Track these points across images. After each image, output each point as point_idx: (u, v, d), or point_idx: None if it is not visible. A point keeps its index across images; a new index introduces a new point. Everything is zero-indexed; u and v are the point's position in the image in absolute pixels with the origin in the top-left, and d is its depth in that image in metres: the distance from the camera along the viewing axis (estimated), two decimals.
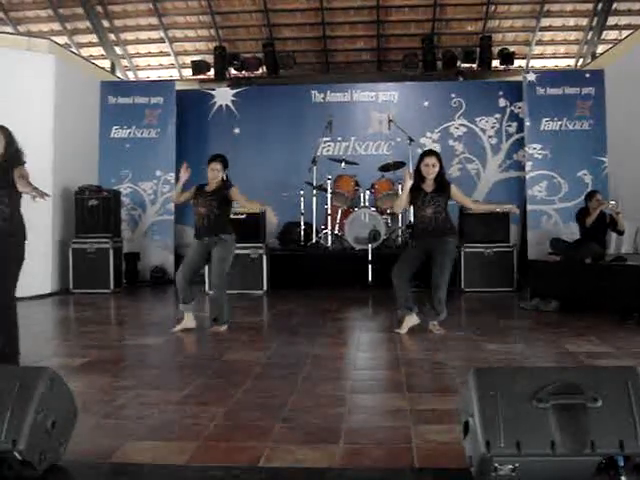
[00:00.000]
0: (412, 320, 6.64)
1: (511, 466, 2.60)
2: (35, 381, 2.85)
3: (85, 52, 14.96)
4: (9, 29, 14.59)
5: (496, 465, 2.59)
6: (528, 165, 11.74)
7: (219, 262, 6.76)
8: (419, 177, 6.63)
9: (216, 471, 2.96)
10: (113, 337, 6.95)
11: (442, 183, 6.63)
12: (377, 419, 3.82)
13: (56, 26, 14.87)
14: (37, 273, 9.88)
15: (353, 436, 3.45)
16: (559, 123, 11.69)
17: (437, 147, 12.48)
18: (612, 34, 14.39)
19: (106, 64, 14.82)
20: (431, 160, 6.56)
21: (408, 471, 2.99)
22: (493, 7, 14.08)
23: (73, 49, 14.25)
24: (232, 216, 10.36)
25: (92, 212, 10.64)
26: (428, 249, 6.58)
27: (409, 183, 6.58)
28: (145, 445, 3.34)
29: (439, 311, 6.58)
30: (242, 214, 10.43)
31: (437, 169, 6.56)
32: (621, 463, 2.57)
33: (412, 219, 10.95)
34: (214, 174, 6.88)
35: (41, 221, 10.02)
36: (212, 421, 3.68)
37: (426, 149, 7.41)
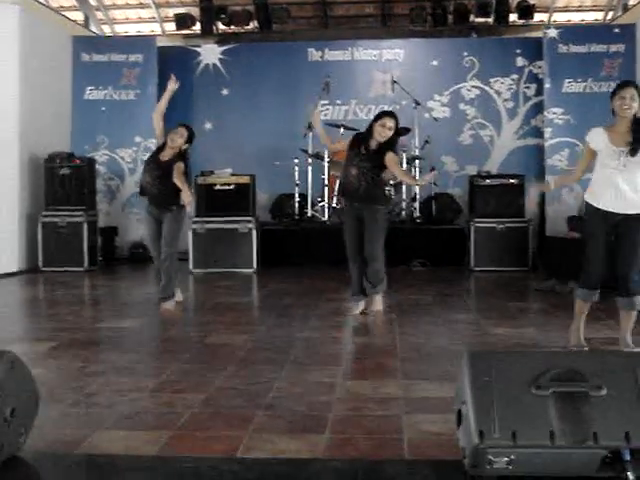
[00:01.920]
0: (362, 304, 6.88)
1: (506, 458, 2.67)
2: None
3: (55, 3, 14.90)
4: None
5: (490, 457, 2.67)
6: (547, 132, 11.77)
7: (169, 230, 7.13)
8: (368, 134, 6.67)
9: (190, 462, 3.04)
10: (85, 319, 7.05)
11: (382, 147, 6.63)
12: (367, 407, 3.89)
13: None
14: (3, 250, 10.01)
15: (340, 425, 3.54)
16: (583, 84, 11.71)
17: (447, 111, 12.57)
18: None
19: (79, 17, 14.78)
20: (390, 122, 6.56)
21: (398, 463, 3.07)
22: None
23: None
24: (219, 187, 10.69)
25: (64, 182, 10.69)
26: (359, 215, 6.68)
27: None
28: (115, 435, 3.43)
29: (375, 283, 6.68)
30: (229, 184, 10.50)
31: (391, 134, 6.57)
32: (627, 457, 2.63)
33: (415, 190, 11.17)
34: (174, 141, 7.16)
35: (7, 193, 10.14)
36: (189, 409, 3.77)
37: (386, 110, 7.45)
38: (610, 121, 5.19)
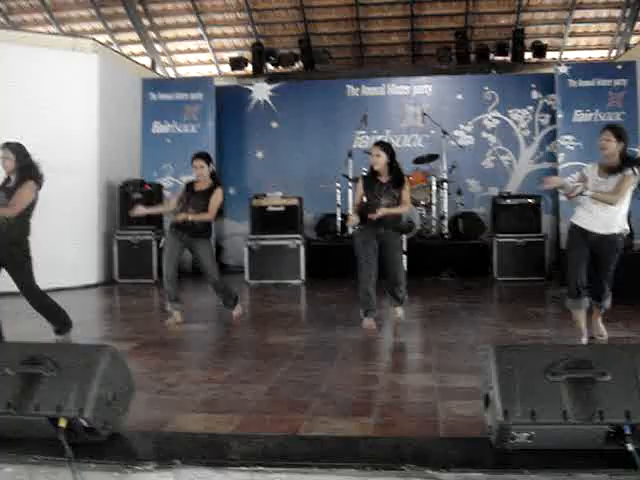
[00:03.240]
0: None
1: (527, 434, 2.87)
2: (98, 357, 3.18)
3: (126, 50, 15.36)
4: (53, 29, 15.07)
5: (513, 433, 2.87)
6: (560, 156, 11.83)
7: (206, 256, 6.94)
8: (371, 168, 6.58)
9: (261, 439, 3.26)
10: (159, 324, 7.28)
11: (398, 176, 6.53)
12: (407, 396, 4.10)
13: (98, 25, 15.31)
14: (83, 264, 10.34)
15: (384, 410, 3.75)
16: (591, 115, 11.77)
17: (470, 139, 12.68)
18: None
19: (147, 61, 15.19)
20: (376, 150, 6.45)
21: (434, 440, 3.27)
22: (526, 0, 14.20)
23: (115, 47, 14.64)
24: (270, 208, 10.91)
25: (134, 205, 10.95)
26: (381, 241, 6.49)
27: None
28: (195, 417, 3.68)
29: (402, 300, 6.62)
30: (280, 205, 10.74)
31: (381, 160, 6.42)
32: (628, 432, 2.81)
33: (444, 209, 11.25)
34: (199, 171, 6.92)
35: (87, 214, 10.49)
36: (255, 396, 4.00)
37: (378, 140, 7.13)
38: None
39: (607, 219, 5.28)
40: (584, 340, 5.43)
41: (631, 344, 3.33)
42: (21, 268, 5.51)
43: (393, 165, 6.51)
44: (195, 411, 3.78)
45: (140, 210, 7.25)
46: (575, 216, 5.51)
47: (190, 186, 7.03)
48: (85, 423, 3.04)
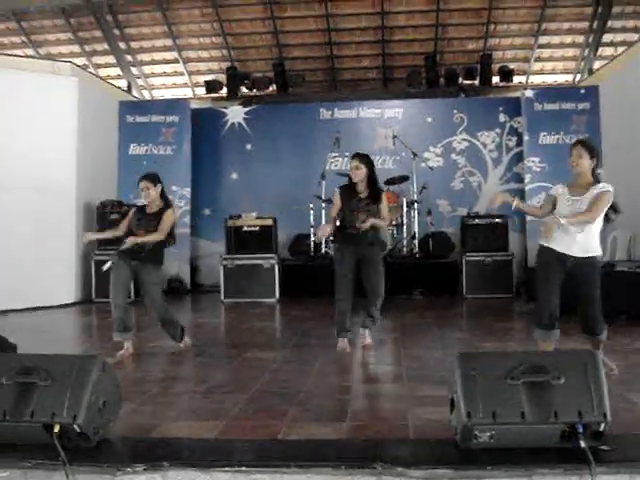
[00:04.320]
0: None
1: (489, 433, 3.12)
2: (90, 366, 3.39)
3: (103, 73, 15.55)
4: (31, 51, 15.24)
5: (476, 433, 3.12)
6: (527, 177, 12.19)
7: (155, 286, 6.52)
8: (350, 179, 6.46)
9: (243, 442, 3.48)
10: (138, 340, 7.43)
11: (376, 192, 6.45)
12: (379, 403, 4.35)
13: (75, 48, 15.51)
14: (62, 283, 10.48)
15: (358, 416, 3.98)
16: (556, 137, 12.14)
17: (440, 161, 13.03)
18: (608, 50, 14.89)
19: (123, 84, 15.40)
20: (355, 162, 6.35)
21: (405, 441, 3.51)
22: (493, 26, 14.64)
23: (92, 70, 14.83)
24: (245, 228, 11.12)
25: (113, 226, 11.11)
26: (359, 257, 6.40)
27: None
28: (179, 424, 3.89)
29: (377, 317, 6.50)
30: (255, 226, 10.96)
31: (361, 172, 6.33)
32: (580, 430, 3.09)
33: (415, 229, 11.51)
34: (145, 193, 6.38)
35: (65, 235, 10.63)
36: (236, 405, 4.21)
37: (356, 152, 6.71)
38: None
39: (585, 242, 4.87)
40: None
41: (583, 350, 3.60)
42: None
43: (372, 178, 6.42)
44: (179, 419, 3.99)
45: (89, 236, 7.21)
46: (546, 238, 5.00)
47: (141, 209, 6.55)
48: (78, 429, 3.24)
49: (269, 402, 4.33)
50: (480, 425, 3.09)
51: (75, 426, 3.23)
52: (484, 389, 3.14)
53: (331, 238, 6.55)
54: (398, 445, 3.48)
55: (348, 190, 6.47)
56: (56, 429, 3.22)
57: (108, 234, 7.11)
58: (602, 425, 3.09)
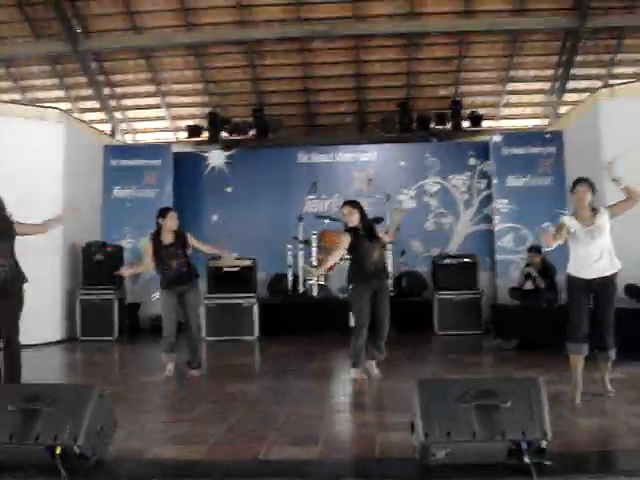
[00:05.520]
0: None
1: (444, 451, 3.53)
2: (89, 394, 3.76)
3: (87, 117, 15.92)
4: (17, 96, 15.63)
5: (433, 451, 3.52)
6: (496, 218, 12.69)
7: (196, 307, 7.49)
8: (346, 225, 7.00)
9: (226, 463, 3.86)
10: (124, 376, 7.80)
11: (372, 231, 6.95)
12: (349, 429, 4.74)
13: (61, 93, 15.90)
14: (47, 321, 10.74)
15: (329, 440, 4.37)
16: (524, 180, 12.67)
17: (413, 203, 13.52)
18: (574, 96, 15.49)
19: (107, 128, 15.80)
20: (345, 209, 6.94)
21: (371, 459, 3.90)
22: (463, 74, 15.22)
23: (76, 114, 15.23)
24: (226, 269, 11.47)
25: (98, 266, 11.50)
26: (375, 291, 6.81)
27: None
28: (167, 448, 4.26)
29: (383, 349, 6.88)
30: (235, 266, 11.33)
31: (354, 218, 6.85)
32: (525, 447, 3.50)
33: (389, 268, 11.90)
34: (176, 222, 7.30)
35: (51, 274, 10.94)
36: (219, 432, 4.58)
37: (346, 200, 7.43)
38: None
39: (604, 263, 5.54)
40: (577, 397, 5.48)
41: (527, 377, 4.05)
42: None
43: (365, 219, 6.94)
44: (167, 444, 4.36)
45: (126, 271, 7.84)
46: (573, 268, 5.67)
47: (156, 238, 7.26)
48: (78, 450, 3.60)
49: (249, 428, 4.70)
50: (436, 444, 3.49)
51: (76, 448, 3.60)
52: (440, 411, 3.55)
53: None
54: (365, 463, 3.87)
55: (355, 233, 6.89)
56: (58, 450, 3.59)
57: (139, 267, 8.01)
58: (544, 442, 3.51)
